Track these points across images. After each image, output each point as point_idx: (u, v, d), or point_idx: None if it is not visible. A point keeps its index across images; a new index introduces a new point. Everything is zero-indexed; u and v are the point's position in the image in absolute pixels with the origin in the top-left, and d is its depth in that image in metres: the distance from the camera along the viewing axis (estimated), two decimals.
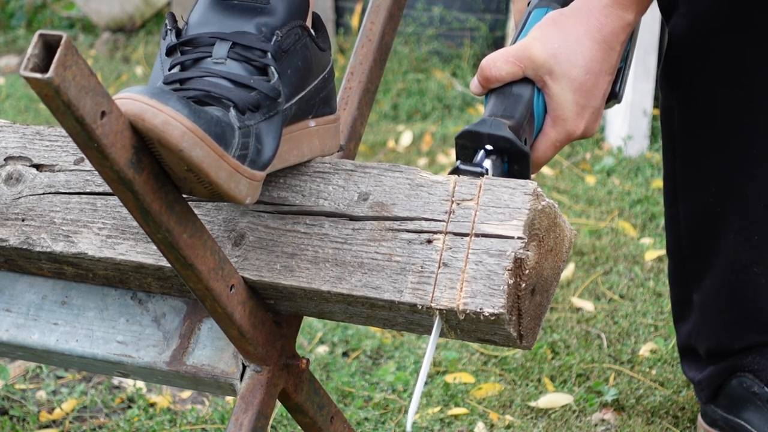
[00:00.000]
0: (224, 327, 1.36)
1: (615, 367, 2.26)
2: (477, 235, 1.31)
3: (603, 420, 2.09)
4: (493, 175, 1.42)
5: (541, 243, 1.32)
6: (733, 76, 1.82)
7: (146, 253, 1.40)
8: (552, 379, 2.22)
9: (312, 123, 1.42)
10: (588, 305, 2.54)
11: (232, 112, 1.28)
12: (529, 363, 2.27)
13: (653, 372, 2.23)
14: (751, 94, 1.81)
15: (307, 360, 1.46)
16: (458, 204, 1.33)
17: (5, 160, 1.51)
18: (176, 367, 1.44)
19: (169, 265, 1.33)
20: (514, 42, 1.53)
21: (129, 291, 1.48)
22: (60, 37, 1.05)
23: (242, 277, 1.36)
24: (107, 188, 1.44)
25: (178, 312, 1.46)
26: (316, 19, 1.44)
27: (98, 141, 1.12)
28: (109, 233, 1.42)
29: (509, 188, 1.33)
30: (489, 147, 1.43)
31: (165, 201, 1.21)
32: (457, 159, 1.46)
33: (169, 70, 1.33)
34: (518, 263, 1.29)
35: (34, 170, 1.49)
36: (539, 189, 1.32)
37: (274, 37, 1.35)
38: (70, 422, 2.09)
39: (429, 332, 1.37)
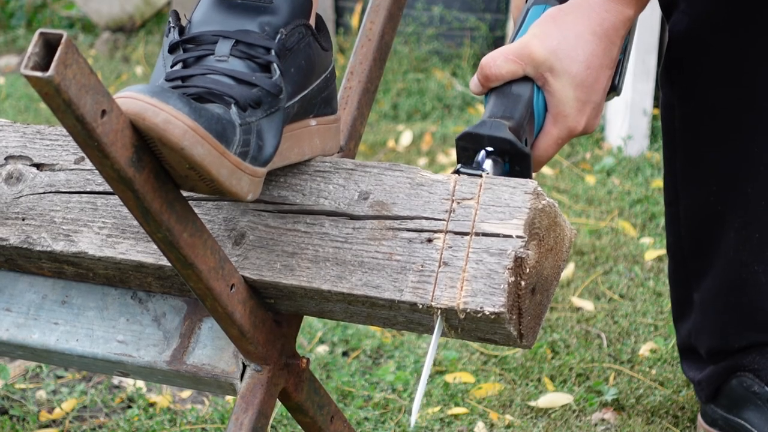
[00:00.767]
0: (224, 326, 1.36)
1: (615, 366, 2.26)
2: (477, 234, 1.31)
3: (603, 420, 2.09)
4: (494, 174, 1.42)
5: (542, 242, 1.32)
6: (733, 73, 1.82)
7: (146, 252, 1.40)
8: (552, 378, 2.22)
9: (313, 122, 1.43)
10: (588, 305, 2.54)
11: (233, 109, 1.28)
12: (529, 363, 2.27)
13: (653, 372, 2.23)
14: (752, 92, 1.82)
15: (308, 359, 1.46)
16: (458, 203, 1.33)
17: (6, 159, 1.51)
18: (176, 367, 1.44)
19: (169, 264, 1.33)
20: (513, 39, 1.53)
21: (129, 290, 1.48)
22: (60, 36, 1.05)
23: (242, 276, 1.36)
24: (108, 187, 1.44)
25: (179, 311, 1.46)
26: (319, 19, 1.44)
27: (98, 140, 1.12)
28: (109, 232, 1.42)
29: (509, 187, 1.33)
30: (489, 148, 1.43)
31: (165, 200, 1.21)
32: (458, 160, 1.46)
33: (172, 67, 1.33)
34: (519, 262, 1.29)
35: (34, 169, 1.49)
36: (539, 188, 1.32)
37: (279, 35, 1.35)
38: (70, 422, 2.09)
39: (429, 331, 1.37)
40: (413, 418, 1.30)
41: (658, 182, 3.29)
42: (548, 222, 1.33)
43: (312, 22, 1.42)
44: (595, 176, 3.45)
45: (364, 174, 1.39)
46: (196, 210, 1.39)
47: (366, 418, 2.08)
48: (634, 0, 1.49)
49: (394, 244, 1.34)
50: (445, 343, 2.34)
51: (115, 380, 2.23)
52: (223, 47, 1.33)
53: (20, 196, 1.48)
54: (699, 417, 2.02)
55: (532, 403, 2.12)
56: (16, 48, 5.44)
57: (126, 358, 1.45)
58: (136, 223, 1.40)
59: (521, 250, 1.29)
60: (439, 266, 1.31)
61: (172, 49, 1.34)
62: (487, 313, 1.28)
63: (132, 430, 2.05)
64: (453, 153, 3.72)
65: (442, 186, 1.35)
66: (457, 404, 2.13)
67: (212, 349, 1.43)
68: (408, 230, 1.34)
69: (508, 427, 2.06)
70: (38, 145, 1.51)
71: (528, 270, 1.30)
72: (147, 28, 5.33)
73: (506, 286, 1.28)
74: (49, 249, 1.44)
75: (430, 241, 1.33)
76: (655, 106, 3.65)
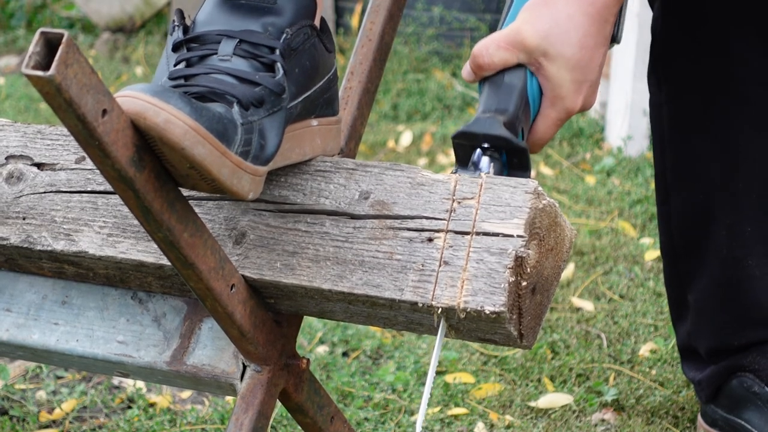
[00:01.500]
0: (225, 326, 1.36)
1: (615, 367, 2.26)
2: (478, 234, 1.31)
3: (603, 420, 2.09)
4: (493, 171, 1.42)
5: (542, 242, 1.32)
6: (713, 69, 1.81)
7: (147, 252, 1.40)
8: (552, 379, 2.22)
9: (315, 122, 1.43)
10: (588, 305, 2.54)
11: (235, 108, 1.28)
12: (529, 363, 2.27)
13: (653, 372, 2.23)
14: (738, 87, 1.81)
15: (308, 360, 1.46)
16: (459, 202, 1.33)
17: (6, 158, 1.51)
18: (176, 367, 1.44)
19: (169, 263, 1.33)
20: (503, 23, 1.51)
21: (129, 290, 1.48)
22: (61, 35, 1.05)
23: (243, 275, 1.36)
24: (108, 187, 1.44)
25: (179, 312, 1.46)
26: (322, 21, 1.44)
27: (99, 139, 1.12)
28: (110, 232, 1.42)
29: (510, 187, 1.33)
30: (486, 144, 1.43)
31: (166, 199, 1.21)
32: (456, 158, 1.46)
33: (175, 65, 1.33)
34: (519, 262, 1.29)
35: (35, 169, 1.49)
36: (540, 188, 1.32)
37: (284, 35, 1.35)
38: (70, 422, 2.09)
39: (429, 332, 1.37)
40: (419, 425, 1.30)
41: None
42: (549, 222, 1.33)
43: (317, 23, 1.42)
44: (595, 176, 3.45)
45: (364, 173, 1.39)
46: (197, 209, 1.39)
47: (366, 419, 2.08)
48: None
49: (394, 243, 1.34)
50: (445, 343, 2.34)
51: (115, 381, 2.23)
52: (227, 47, 1.33)
53: (21, 196, 1.48)
54: (699, 417, 2.02)
55: (532, 404, 2.12)
56: (16, 48, 5.44)
57: (126, 358, 1.45)
58: (136, 222, 1.40)
59: (522, 249, 1.29)
60: (440, 265, 1.31)
61: (176, 47, 1.34)
62: (488, 312, 1.28)
63: (132, 431, 2.05)
64: (452, 153, 3.72)
65: (442, 185, 1.35)
66: (457, 405, 2.13)
67: (212, 350, 1.43)
68: (408, 230, 1.34)
69: (508, 427, 2.06)
70: (39, 145, 1.51)
71: (528, 270, 1.30)
72: (147, 29, 5.33)
73: (507, 285, 1.28)
74: (49, 248, 1.44)
75: (430, 240, 1.33)
76: None
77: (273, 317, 1.42)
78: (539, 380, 2.21)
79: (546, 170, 3.54)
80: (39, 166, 1.49)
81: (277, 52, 1.34)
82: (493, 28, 4.66)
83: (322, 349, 2.36)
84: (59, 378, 2.25)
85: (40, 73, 1.05)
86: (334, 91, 1.46)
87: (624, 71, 3.63)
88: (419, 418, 1.31)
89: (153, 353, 1.45)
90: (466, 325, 1.32)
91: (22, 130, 1.53)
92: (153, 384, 2.20)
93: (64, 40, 1.05)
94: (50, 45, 1.05)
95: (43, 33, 1.05)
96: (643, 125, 3.63)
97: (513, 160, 1.44)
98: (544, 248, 1.33)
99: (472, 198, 1.33)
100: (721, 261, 1.89)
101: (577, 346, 2.34)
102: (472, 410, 2.11)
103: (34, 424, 2.08)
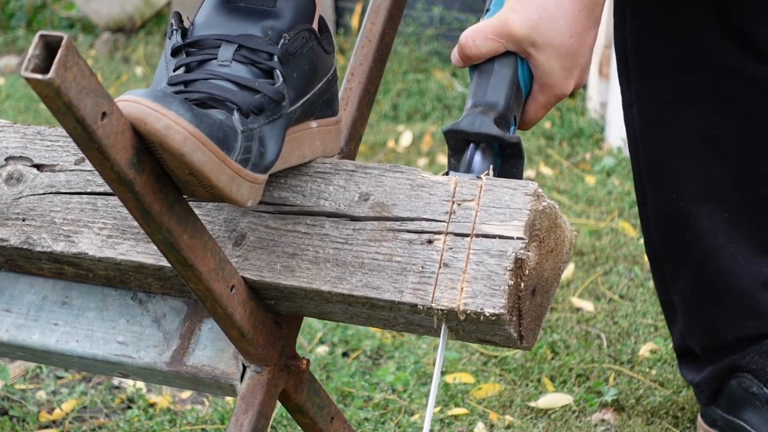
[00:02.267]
0: (225, 327, 1.36)
1: (615, 367, 2.26)
2: (478, 236, 1.31)
3: (603, 420, 2.09)
4: (482, 162, 1.41)
5: (542, 244, 1.32)
6: (675, 67, 1.82)
7: (147, 253, 1.40)
8: (552, 379, 2.22)
9: (314, 124, 1.42)
10: (588, 305, 2.54)
11: (236, 115, 1.28)
12: (529, 363, 2.27)
13: (653, 372, 2.23)
14: (705, 82, 1.81)
15: (308, 360, 1.46)
16: (459, 204, 1.33)
17: (6, 160, 1.51)
18: (176, 368, 1.44)
19: (169, 265, 1.33)
20: (488, 10, 1.50)
21: (129, 291, 1.48)
22: (61, 38, 1.05)
23: (243, 277, 1.36)
24: (108, 188, 1.44)
25: (179, 312, 1.46)
26: (321, 22, 1.43)
27: (99, 142, 1.12)
28: (109, 233, 1.42)
29: (510, 189, 1.33)
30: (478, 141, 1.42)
31: (165, 201, 1.21)
32: (449, 147, 1.44)
33: (174, 71, 1.32)
34: (519, 264, 1.29)
35: (34, 170, 1.49)
36: (540, 190, 1.32)
37: (282, 41, 1.34)
38: (70, 422, 2.09)
39: (429, 333, 1.37)
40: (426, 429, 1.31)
41: None
42: (548, 223, 1.33)
43: (315, 25, 1.41)
44: (595, 177, 3.45)
45: (364, 175, 1.39)
46: (197, 211, 1.39)
47: (366, 419, 2.08)
48: None
49: (394, 245, 1.34)
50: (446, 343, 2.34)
51: (115, 381, 2.23)
52: (226, 52, 1.32)
53: (20, 197, 1.48)
54: (699, 417, 2.02)
55: (532, 404, 2.12)
56: (16, 48, 5.44)
57: (126, 359, 1.45)
58: (136, 224, 1.40)
59: (521, 251, 1.29)
60: (440, 267, 1.31)
61: (175, 52, 1.34)
62: (488, 314, 1.28)
63: (132, 431, 2.05)
64: None
65: (442, 187, 1.35)
66: (457, 405, 2.13)
67: (212, 351, 1.43)
68: (408, 231, 1.34)
69: (508, 427, 2.06)
70: (38, 146, 1.51)
71: (528, 271, 1.30)
72: (147, 29, 5.33)
73: (506, 287, 1.28)
74: (49, 250, 1.44)
75: (430, 242, 1.33)
76: None
77: (273, 318, 1.42)
78: (539, 380, 2.21)
79: (546, 170, 3.54)
80: (38, 167, 1.49)
81: (275, 58, 1.33)
82: None
83: (322, 350, 2.36)
84: (59, 378, 2.25)
85: (39, 76, 1.05)
86: (333, 91, 1.45)
87: None
88: (425, 427, 1.32)
89: (153, 354, 1.45)
90: (466, 326, 1.32)
91: (21, 131, 1.53)
92: (153, 384, 2.20)
93: (63, 42, 1.05)
94: (49, 48, 1.05)
95: (42, 36, 1.05)
96: None
97: (506, 151, 1.43)
98: (544, 250, 1.33)
99: (471, 200, 1.33)
100: (705, 253, 1.88)
101: (577, 346, 2.34)
102: (472, 410, 2.11)
103: (34, 424, 2.09)
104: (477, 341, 1.36)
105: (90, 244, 1.42)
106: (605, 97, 3.84)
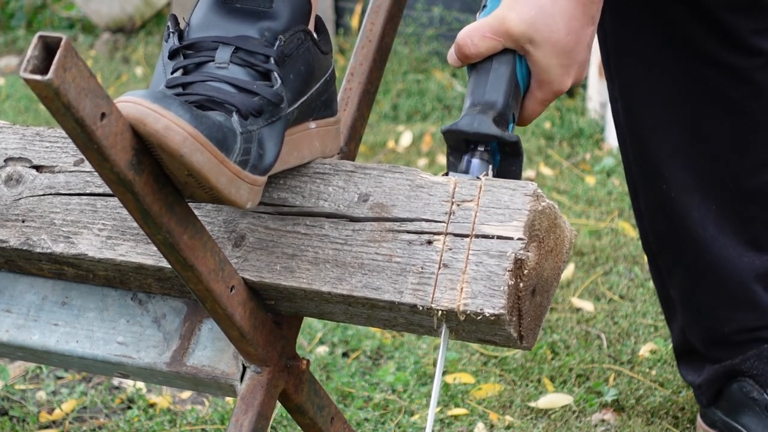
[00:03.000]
0: (225, 328, 1.36)
1: (615, 367, 2.26)
2: (477, 236, 1.31)
3: (603, 420, 2.09)
4: (481, 162, 1.41)
5: (542, 244, 1.32)
6: (655, 59, 1.82)
7: (146, 254, 1.40)
8: (552, 379, 2.22)
9: (312, 125, 1.42)
10: (588, 305, 2.54)
11: (235, 117, 1.28)
12: (529, 363, 2.27)
13: (653, 372, 2.23)
14: (686, 73, 1.81)
15: (308, 361, 1.46)
16: (458, 205, 1.33)
17: (5, 161, 1.51)
18: (176, 368, 1.44)
19: (169, 265, 1.33)
20: (485, 6, 1.50)
21: (129, 292, 1.48)
22: (60, 39, 1.05)
23: (242, 278, 1.36)
24: (107, 189, 1.44)
25: (179, 313, 1.46)
26: (318, 21, 1.43)
27: (98, 142, 1.12)
28: (109, 234, 1.42)
29: (509, 189, 1.33)
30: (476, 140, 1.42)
31: (165, 202, 1.21)
32: (447, 146, 1.44)
33: (172, 73, 1.32)
34: (518, 264, 1.29)
35: (34, 171, 1.49)
36: (539, 190, 1.32)
37: (277, 42, 1.34)
38: (70, 423, 2.09)
39: (429, 333, 1.37)
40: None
41: None
42: (548, 224, 1.33)
43: (311, 25, 1.41)
44: (595, 177, 3.45)
45: (363, 176, 1.39)
46: (196, 212, 1.39)
47: (366, 419, 2.08)
48: None
49: (394, 246, 1.34)
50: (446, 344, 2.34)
51: (115, 381, 2.23)
52: (223, 54, 1.32)
53: (20, 198, 1.48)
54: (698, 418, 2.02)
55: (532, 404, 2.12)
56: (16, 49, 5.44)
57: (126, 359, 1.45)
58: (135, 224, 1.40)
59: (521, 252, 1.29)
60: (439, 268, 1.31)
61: (172, 55, 1.34)
62: (487, 314, 1.28)
63: (132, 431, 2.06)
64: None
65: (441, 188, 1.35)
66: (457, 405, 2.13)
67: (212, 351, 1.43)
68: (408, 232, 1.34)
69: (508, 427, 2.07)
70: (38, 147, 1.51)
71: (528, 272, 1.30)
72: (147, 29, 5.33)
73: (506, 287, 1.28)
74: (49, 251, 1.44)
75: (430, 243, 1.33)
76: None
77: (273, 318, 1.42)
78: (539, 380, 2.22)
79: (546, 170, 3.54)
80: (38, 168, 1.49)
81: (272, 60, 1.33)
82: None
83: (322, 350, 2.36)
84: (59, 378, 2.25)
85: (38, 77, 1.05)
86: (331, 92, 1.45)
87: None
88: (428, 427, 1.32)
89: (153, 354, 1.45)
90: (466, 327, 1.32)
91: (20, 132, 1.53)
92: (153, 384, 2.20)
93: (62, 43, 1.05)
94: (49, 49, 1.05)
95: (41, 37, 1.05)
96: None
97: (505, 149, 1.43)
98: (544, 250, 1.33)
99: (471, 200, 1.33)
100: (698, 245, 1.88)
101: (577, 346, 2.34)
102: (472, 411, 2.11)
103: (34, 424, 2.09)
104: (477, 341, 1.36)
105: (90, 245, 1.42)
106: (605, 97, 3.84)
